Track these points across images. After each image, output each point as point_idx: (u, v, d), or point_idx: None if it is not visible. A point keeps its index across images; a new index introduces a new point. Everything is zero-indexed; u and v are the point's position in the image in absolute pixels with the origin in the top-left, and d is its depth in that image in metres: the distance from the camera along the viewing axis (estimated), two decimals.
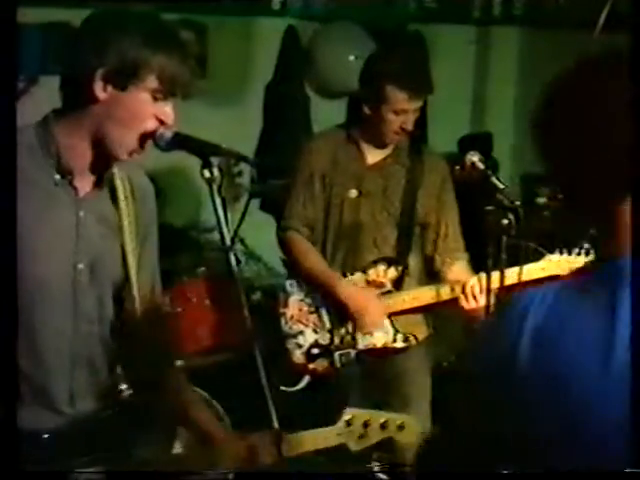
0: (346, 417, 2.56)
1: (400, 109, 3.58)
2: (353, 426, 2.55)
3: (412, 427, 2.63)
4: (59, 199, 2.22)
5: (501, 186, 3.33)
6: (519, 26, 6.69)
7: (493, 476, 1.56)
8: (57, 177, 2.21)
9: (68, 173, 2.21)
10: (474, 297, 3.57)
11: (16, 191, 2.05)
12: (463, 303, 3.59)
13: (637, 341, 1.40)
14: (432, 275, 3.82)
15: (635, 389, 1.39)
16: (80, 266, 2.25)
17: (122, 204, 2.30)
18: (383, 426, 2.59)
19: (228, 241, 2.09)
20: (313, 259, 3.74)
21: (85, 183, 2.26)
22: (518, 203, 3.27)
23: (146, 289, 2.40)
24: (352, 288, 3.68)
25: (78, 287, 2.25)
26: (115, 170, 2.30)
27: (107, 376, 2.38)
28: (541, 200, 5.51)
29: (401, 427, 2.60)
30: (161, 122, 2.18)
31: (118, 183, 2.31)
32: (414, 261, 3.79)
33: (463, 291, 3.58)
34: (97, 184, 2.27)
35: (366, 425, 2.56)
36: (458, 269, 3.75)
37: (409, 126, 3.63)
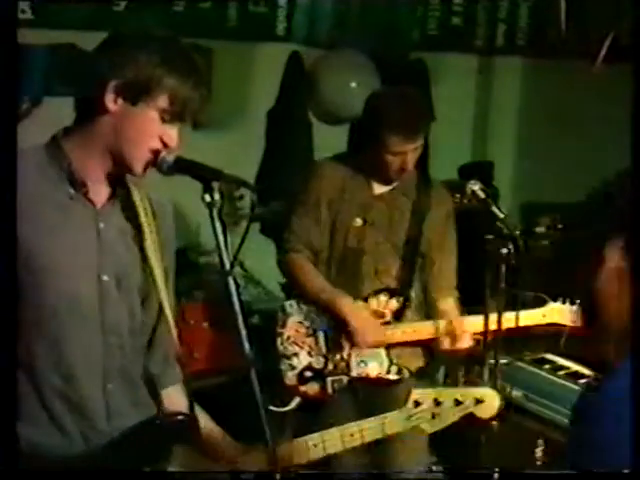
0: (414, 397, 2.43)
1: (397, 151, 3.55)
2: (423, 405, 2.41)
3: (491, 399, 2.47)
4: (76, 212, 2.22)
5: (501, 215, 3.34)
6: (522, 56, 6.71)
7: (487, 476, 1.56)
8: (71, 191, 2.21)
9: (82, 186, 2.21)
10: (454, 338, 3.56)
11: (16, 207, 2.06)
12: (442, 342, 3.59)
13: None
14: (430, 307, 3.80)
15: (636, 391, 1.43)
16: (105, 277, 2.24)
17: (143, 219, 2.30)
18: (458, 402, 2.43)
19: (227, 265, 2.08)
20: (315, 277, 3.69)
21: (101, 195, 2.26)
22: (518, 232, 3.28)
23: (173, 301, 2.40)
24: (354, 306, 3.63)
25: (105, 299, 2.24)
26: (131, 187, 2.30)
27: (143, 388, 2.37)
28: (541, 229, 5.54)
29: (479, 401, 2.44)
30: (164, 145, 2.19)
31: (137, 200, 2.30)
32: (415, 293, 3.77)
33: (446, 330, 3.57)
34: (112, 196, 2.27)
35: (438, 403, 2.41)
36: (446, 306, 3.72)
37: (409, 166, 3.59)
